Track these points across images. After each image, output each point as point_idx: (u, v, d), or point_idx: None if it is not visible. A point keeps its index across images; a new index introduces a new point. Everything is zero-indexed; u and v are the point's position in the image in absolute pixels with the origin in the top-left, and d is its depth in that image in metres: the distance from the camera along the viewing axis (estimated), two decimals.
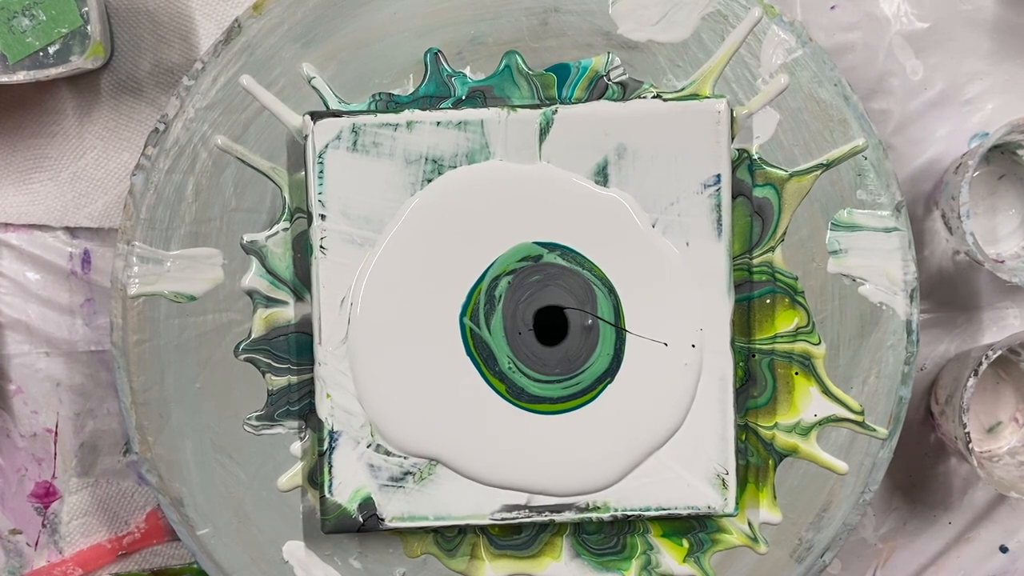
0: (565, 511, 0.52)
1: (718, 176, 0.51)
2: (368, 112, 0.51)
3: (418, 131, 0.51)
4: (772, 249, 0.53)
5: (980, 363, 0.54)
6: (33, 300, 0.59)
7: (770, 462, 0.54)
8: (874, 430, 0.53)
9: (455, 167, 0.51)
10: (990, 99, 0.59)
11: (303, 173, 0.53)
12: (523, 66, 0.53)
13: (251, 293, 0.53)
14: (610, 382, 0.51)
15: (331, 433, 0.51)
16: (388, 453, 0.52)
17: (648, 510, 0.52)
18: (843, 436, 0.53)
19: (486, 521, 0.52)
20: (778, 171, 0.53)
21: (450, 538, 0.54)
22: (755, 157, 0.53)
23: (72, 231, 0.59)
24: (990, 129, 0.59)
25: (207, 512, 0.53)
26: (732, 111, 0.52)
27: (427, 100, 0.53)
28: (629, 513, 0.52)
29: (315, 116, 0.51)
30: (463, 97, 0.53)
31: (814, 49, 0.52)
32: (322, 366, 0.51)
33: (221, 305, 0.53)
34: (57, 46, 0.53)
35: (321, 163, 0.51)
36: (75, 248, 0.59)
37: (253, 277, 0.53)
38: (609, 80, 0.53)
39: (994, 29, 0.59)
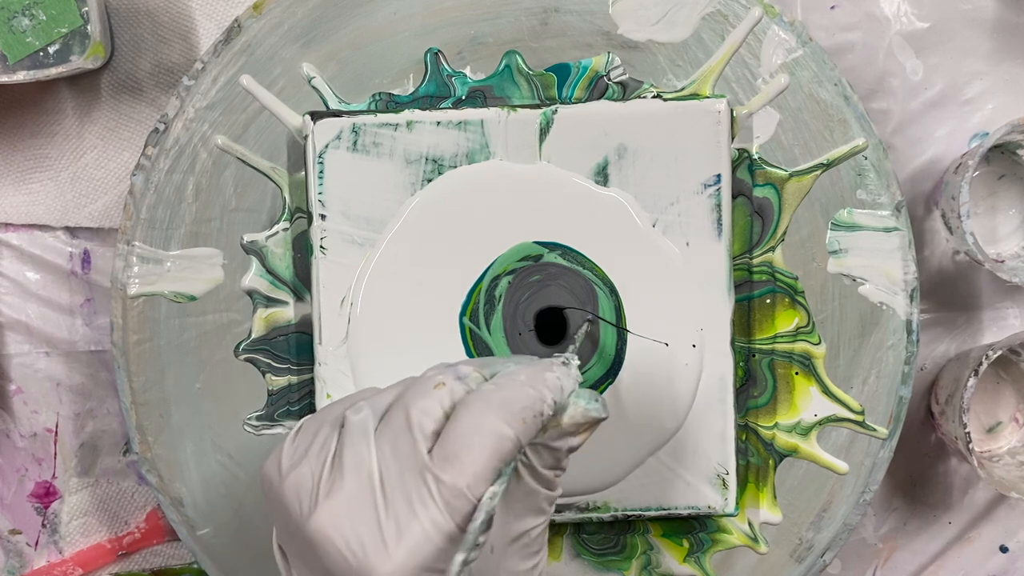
0: (565, 511, 0.52)
1: (718, 176, 0.51)
2: (368, 112, 0.51)
3: (418, 131, 0.51)
4: (772, 249, 0.53)
5: (980, 363, 0.54)
6: (33, 300, 0.59)
7: (770, 462, 0.54)
8: (874, 430, 0.53)
9: (455, 167, 0.51)
10: (990, 99, 0.59)
11: (303, 173, 0.53)
12: (523, 66, 0.53)
13: (251, 293, 0.53)
14: (611, 382, 0.51)
15: None
16: None
17: (648, 510, 0.52)
18: (843, 436, 0.53)
19: None
20: (778, 171, 0.53)
21: None
22: (755, 157, 0.53)
23: (72, 231, 0.59)
24: (990, 129, 0.59)
25: (207, 512, 0.53)
26: (732, 111, 0.52)
27: (427, 100, 0.53)
28: (629, 513, 0.52)
29: (315, 116, 0.51)
30: (463, 97, 0.53)
31: (814, 49, 0.52)
32: (322, 366, 0.51)
33: (221, 305, 0.53)
34: (57, 46, 0.53)
35: (321, 163, 0.51)
36: (75, 248, 0.59)
37: (253, 277, 0.53)
38: (609, 80, 0.53)
39: (994, 29, 0.59)
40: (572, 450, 0.40)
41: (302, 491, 0.36)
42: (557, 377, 0.39)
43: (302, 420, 0.40)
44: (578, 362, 0.41)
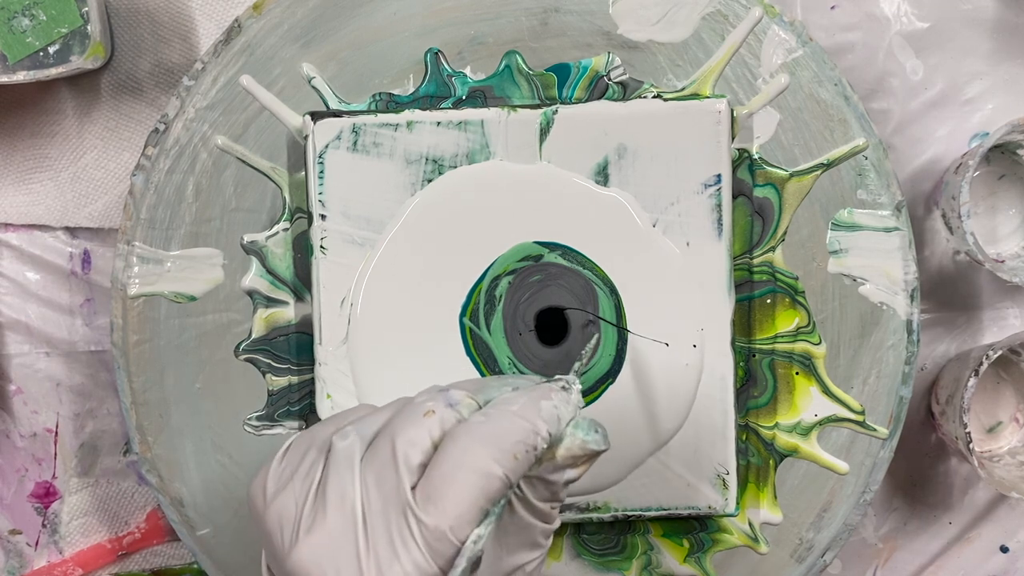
0: (565, 511, 0.52)
1: (718, 176, 0.51)
2: (368, 112, 0.51)
3: (418, 131, 0.51)
4: (772, 249, 0.53)
5: (980, 363, 0.54)
6: (33, 300, 0.59)
7: (771, 462, 0.54)
8: (874, 430, 0.53)
9: (455, 167, 0.51)
10: (990, 99, 0.59)
11: (303, 173, 0.53)
12: (523, 66, 0.53)
13: (251, 293, 0.53)
14: (611, 383, 0.51)
15: None
16: None
17: (649, 510, 0.52)
18: (843, 436, 0.53)
19: None
20: (778, 171, 0.53)
21: None
22: (755, 157, 0.53)
23: (72, 231, 0.59)
24: (990, 129, 0.59)
25: (207, 512, 0.53)
26: (732, 111, 0.52)
27: (427, 100, 0.53)
28: (630, 513, 0.52)
29: (315, 116, 0.51)
30: (463, 97, 0.53)
31: (814, 49, 0.52)
32: (322, 366, 0.51)
33: (221, 305, 0.53)
34: (57, 46, 0.53)
35: (321, 163, 0.51)
36: (75, 248, 0.59)
37: (253, 277, 0.53)
38: (609, 80, 0.53)
39: (994, 29, 0.59)
40: (570, 482, 0.38)
41: (285, 521, 0.35)
42: (554, 406, 0.37)
43: (290, 439, 0.38)
44: (579, 386, 0.39)
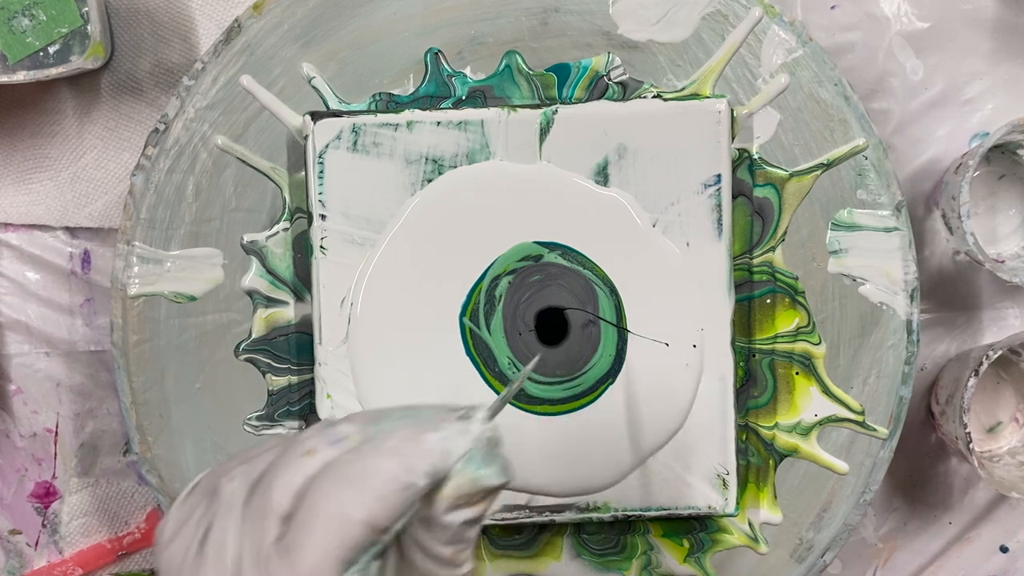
0: (565, 511, 0.52)
1: (718, 176, 0.51)
2: (368, 112, 0.51)
3: (418, 131, 0.51)
4: (772, 249, 0.53)
5: (980, 363, 0.54)
6: (33, 300, 0.59)
7: (770, 462, 0.54)
8: (874, 430, 0.53)
9: (455, 167, 0.51)
10: (990, 99, 0.59)
11: (303, 173, 0.53)
12: (523, 66, 0.53)
13: (251, 293, 0.53)
14: (611, 383, 0.51)
15: None
16: None
17: (649, 510, 0.52)
18: (843, 436, 0.53)
19: (486, 521, 0.52)
20: (778, 171, 0.53)
21: None
22: (755, 157, 0.53)
23: (72, 231, 0.59)
24: (990, 129, 0.59)
25: None
26: (732, 111, 0.52)
27: (427, 100, 0.53)
28: (630, 513, 0.52)
29: (315, 116, 0.51)
30: (463, 97, 0.53)
31: (814, 49, 0.52)
32: (322, 366, 0.51)
33: (221, 305, 0.53)
34: (57, 46, 0.53)
35: (321, 163, 0.51)
36: (75, 248, 0.59)
37: (253, 277, 0.53)
38: (609, 80, 0.53)
39: (994, 29, 0.59)
40: (472, 522, 0.33)
41: (172, 571, 0.33)
42: (443, 438, 0.33)
43: (197, 478, 0.36)
44: (484, 414, 0.34)
